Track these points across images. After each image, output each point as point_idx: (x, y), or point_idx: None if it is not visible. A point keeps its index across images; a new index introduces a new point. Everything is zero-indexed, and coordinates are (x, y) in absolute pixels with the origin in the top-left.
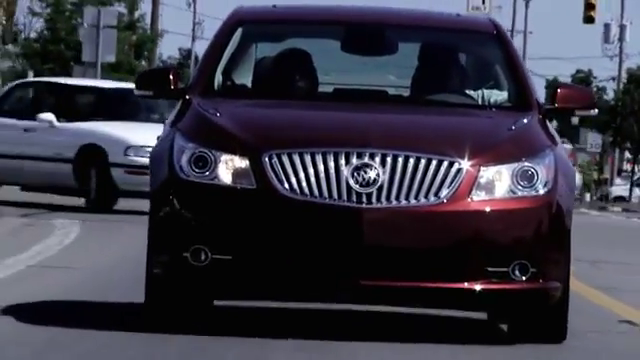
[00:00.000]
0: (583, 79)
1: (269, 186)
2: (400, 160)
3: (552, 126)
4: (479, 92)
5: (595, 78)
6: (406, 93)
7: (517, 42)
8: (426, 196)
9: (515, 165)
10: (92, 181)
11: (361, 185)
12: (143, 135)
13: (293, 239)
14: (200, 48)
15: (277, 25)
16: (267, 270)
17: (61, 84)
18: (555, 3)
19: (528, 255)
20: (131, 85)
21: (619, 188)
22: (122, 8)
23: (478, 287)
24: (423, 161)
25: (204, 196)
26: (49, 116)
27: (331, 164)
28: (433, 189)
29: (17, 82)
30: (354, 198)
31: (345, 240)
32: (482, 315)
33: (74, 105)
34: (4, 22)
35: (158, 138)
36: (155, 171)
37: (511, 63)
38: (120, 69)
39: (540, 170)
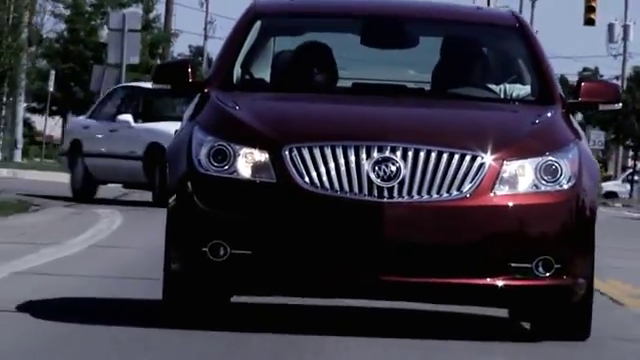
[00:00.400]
0: (590, 77)
1: (289, 180)
2: (422, 154)
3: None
4: (501, 86)
5: (602, 76)
6: (426, 87)
7: None
8: (448, 191)
9: (539, 159)
10: (156, 178)
11: (382, 179)
12: None
13: (313, 234)
14: (212, 47)
15: (295, 18)
16: (287, 265)
17: (143, 88)
18: (560, 2)
19: (552, 251)
20: None
21: (611, 184)
22: (139, 9)
23: (500, 283)
24: (445, 155)
25: (223, 190)
26: (127, 117)
27: (352, 158)
28: (455, 183)
29: (114, 87)
30: (375, 192)
31: (366, 235)
32: (504, 312)
33: (152, 107)
34: (29, 24)
35: (176, 132)
36: (173, 165)
37: (534, 56)
38: (138, 69)
39: (564, 164)
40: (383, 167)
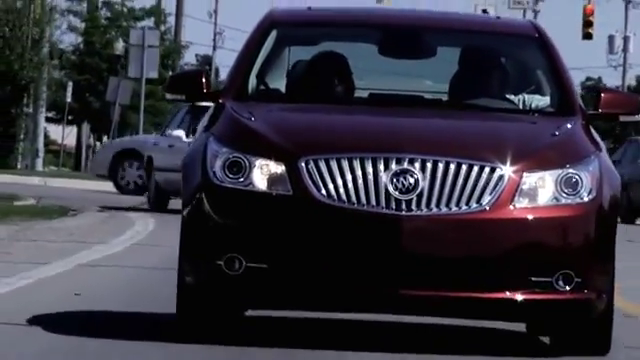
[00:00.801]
0: (609, 88)
1: (306, 192)
2: (440, 166)
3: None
4: (520, 97)
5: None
6: (444, 98)
7: None
8: (467, 203)
9: (559, 171)
10: None
11: (400, 192)
12: None
13: (330, 247)
14: (221, 58)
15: (312, 28)
16: (303, 279)
17: (202, 106)
18: (563, 13)
19: (572, 265)
20: None
21: None
22: (150, 22)
23: (520, 297)
24: (464, 167)
25: (238, 202)
26: (179, 132)
27: (369, 170)
28: (475, 196)
29: (183, 107)
30: (393, 205)
31: (384, 248)
32: (521, 327)
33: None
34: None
35: (190, 144)
36: (188, 177)
37: (554, 67)
38: (154, 81)
39: (584, 177)
40: (401, 179)
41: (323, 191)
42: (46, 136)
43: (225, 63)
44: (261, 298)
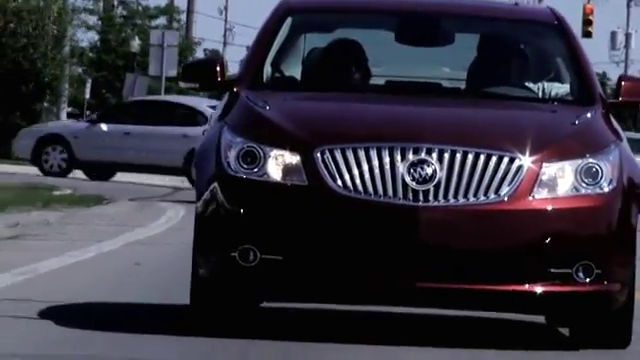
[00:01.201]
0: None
1: (321, 183)
2: (458, 156)
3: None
4: (539, 85)
5: (609, 80)
6: (462, 86)
7: None
8: (485, 194)
9: (579, 161)
10: None
11: (417, 182)
12: None
13: (346, 239)
14: (231, 54)
15: (327, 14)
16: (318, 271)
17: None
18: (562, 12)
19: (592, 256)
20: None
21: None
22: (164, 20)
23: (539, 289)
24: (482, 157)
25: (253, 193)
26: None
27: (386, 160)
28: (493, 187)
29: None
30: (410, 196)
31: (400, 240)
32: (540, 318)
33: None
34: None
35: (204, 133)
36: (202, 167)
37: (574, 55)
38: (171, 78)
39: (605, 166)
40: (418, 169)
41: (339, 182)
42: None
43: (235, 59)
44: (275, 290)
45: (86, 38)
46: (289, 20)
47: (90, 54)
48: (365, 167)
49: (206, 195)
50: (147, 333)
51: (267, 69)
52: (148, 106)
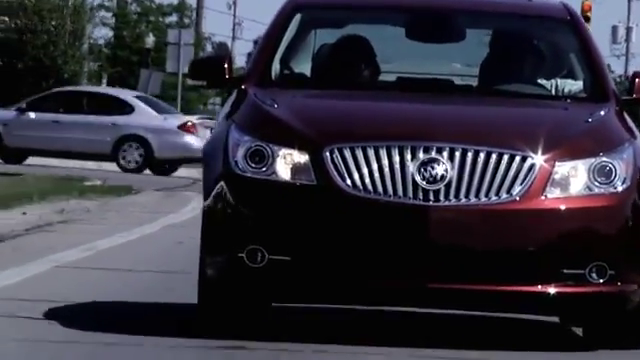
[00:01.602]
0: None
1: (330, 182)
2: (469, 155)
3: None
4: (552, 81)
5: (613, 72)
6: (473, 83)
7: None
8: (497, 193)
9: (592, 160)
10: None
11: (428, 181)
12: None
13: (355, 239)
14: (240, 48)
15: (337, 10)
16: (327, 272)
17: None
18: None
19: (606, 256)
20: None
21: None
22: (175, 17)
23: (552, 290)
24: (494, 156)
25: (261, 193)
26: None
27: (396, 159)
28: (505, 186)
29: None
30: (420, 195)
31: (411, 240)
32: (554, 318)
33: None
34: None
35: (212, 131)
36: (209, 166)
37: (587, 51)
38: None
39: (618, 165)
40: (429, 169)
41: (348, 181)
42: None
43: (244, 53)
44: (284, 291)
45: (100, 34)
46: (298, 16)
47: (105, 50)
48: (375, 166)
49: (213, 194)
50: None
51: (275, 66)
52: (75, 96)
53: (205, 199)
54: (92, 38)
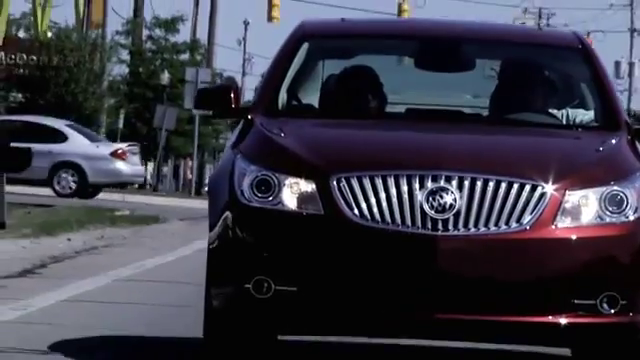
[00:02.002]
0: None
1: (337, 212)
2: (479, 184)
3: None
4: (563, 111)
5: None
6: (484, 113)
7: None
8: (507, 223)
9: (603, 189)
10: None
11: (437, 211)
12: None
13: (363, 269)
14: (250, 83)
15: (345, 40)
16: (334, 303)
17: None
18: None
19: (617, 286)
20: None
21: None
22: (187, 55)
23: (563, 321)
24: (503, 185)
25: (267, 223)
26: None
27: (404, 188)
28: (514, 215)
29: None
30: (429, 225)
31: (419, 270)
32: (566, 351)
33: None
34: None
35: (217, 161)
36: (215, 196)
37: (598, 79)
38: None
39: (630, 194)
40: (437, 198)
41: (355, 211)
42: None
43: (254, 88)
44: (291, 323)
45: (118, 71)
46: (305, 45)
47: (122, 87)
48: (382, 195)
49: (219, 225)
50: None
51: (282, 95)
52: (12, 125)
53: (211, 229)
54: (111, 75)
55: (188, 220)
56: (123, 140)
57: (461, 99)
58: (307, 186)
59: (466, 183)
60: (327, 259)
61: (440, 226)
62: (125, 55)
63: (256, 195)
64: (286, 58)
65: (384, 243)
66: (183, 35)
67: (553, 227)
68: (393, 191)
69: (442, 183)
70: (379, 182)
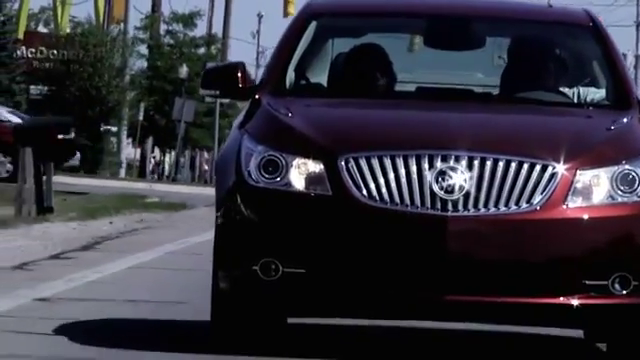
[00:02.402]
0: None
1: (346, 193)
2: (489, 163)
3: None
4: (574, 89)
5: None
6: (494, 91)
7: None
8: (517, 203)
9: (614, 168)
10: None
11: (446, 191)
12: None
13: (371, 251)
14: None
15: (354, 18)
16: (343, 285)
17: None
18: None
19: (629, 267)
20: None
21: None
22: (203, 49)
23: (575, 302)
24: (514, 164)
25: (275, 204)
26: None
27: (413, 168)
28: (525, 195)
29: None
30: (438, 205)
31: (428, 251)
32: (578, 333)
33: None
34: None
35: (225, 142)
36: (221, 177)
37: (609, 58)
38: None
39: None
40: (447, 178)
41: (364, 191)
42: None
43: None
44: (298, 305)
45: (137, 65)
46: (313, 24)
47: (142, 80)
48: (391, 176)
49: (226, 206)
50: None
51: (290, 75)
52: None
53: (217, 211)
54: (132, 70)
55: (213, 207)
56: (143, 132)
57: (472, 78)
58: (315, 167)
59: (476, 163)
60: (335, 240)
61: (450, 206)
62: (144, 50)
63: (263, 176)
64: (294, 37)
65: (393, 224)
66: (200, 29)
67: (564, 207)
68: (402, 171)
69: (451, 163)
70: (388, 162)
